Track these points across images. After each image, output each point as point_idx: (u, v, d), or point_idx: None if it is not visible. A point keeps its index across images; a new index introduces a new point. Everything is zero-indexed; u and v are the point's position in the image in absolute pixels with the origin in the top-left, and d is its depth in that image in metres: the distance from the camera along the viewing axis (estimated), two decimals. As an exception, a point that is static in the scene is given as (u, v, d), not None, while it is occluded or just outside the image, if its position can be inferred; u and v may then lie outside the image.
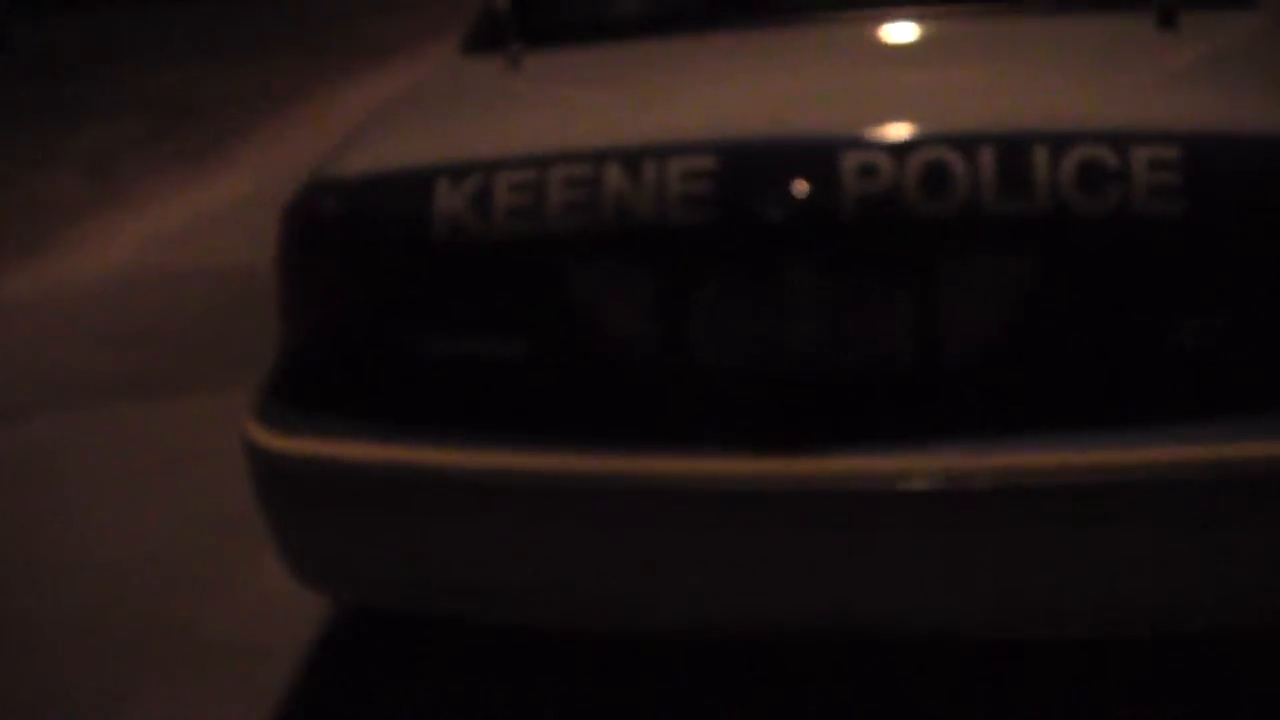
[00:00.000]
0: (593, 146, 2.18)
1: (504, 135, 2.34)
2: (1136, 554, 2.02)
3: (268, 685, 2.75)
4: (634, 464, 2.10)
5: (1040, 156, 2.03)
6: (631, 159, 2.13)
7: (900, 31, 2.68)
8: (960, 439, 2.04)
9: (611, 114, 2.37)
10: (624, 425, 2.15)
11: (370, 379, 2.28)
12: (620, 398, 2.17)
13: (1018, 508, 2.03)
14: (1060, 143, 2.03)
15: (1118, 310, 2.05)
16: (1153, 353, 2.05)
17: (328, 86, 9.38)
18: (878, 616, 2.15)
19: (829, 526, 2.08)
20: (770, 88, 2.42)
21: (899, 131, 2.09)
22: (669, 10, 2.95)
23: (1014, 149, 2.04)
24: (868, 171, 2.06)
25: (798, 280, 2.09)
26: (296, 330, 2.37)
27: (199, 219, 6.53)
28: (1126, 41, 2.51)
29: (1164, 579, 2.04)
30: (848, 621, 2.17)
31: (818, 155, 2.09)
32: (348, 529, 2.26)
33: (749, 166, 2.11)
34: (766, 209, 2.08)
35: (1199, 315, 2.03)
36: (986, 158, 2.04)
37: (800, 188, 2.07)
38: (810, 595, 2.13)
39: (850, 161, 2.06)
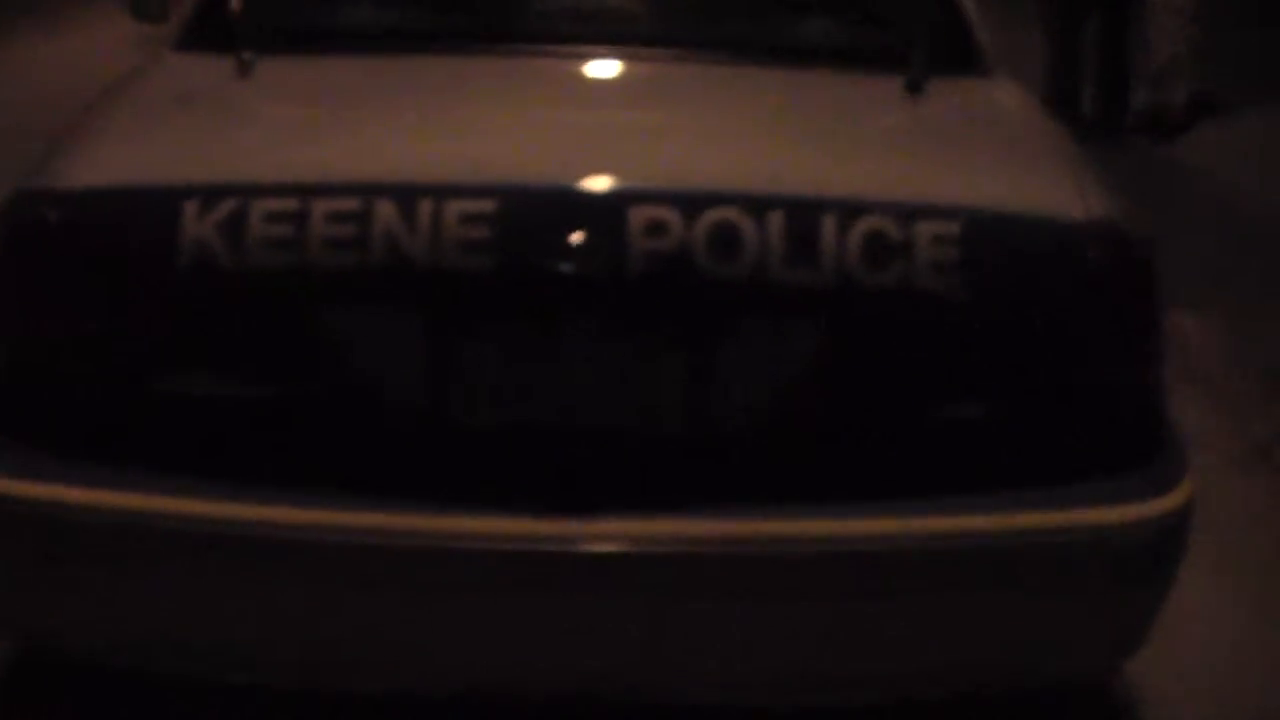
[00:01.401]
0: (362, 180, 2.03)
1: (256, 156, 2.17)
2: (908, 622, 2.04)
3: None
4: (388, 522, 1.98)
5: (827, 224, 2.01)
6: (405, 197, 2.00)
7: (666, 77, 2.59)
8: (726, 506, 2.01)
9: (382, 144, 2.21)
10: (382, 481, 2.01)
11: (92, 415, 2.05)
12: (379, 452, 2.04)
13: (781, 576, 2.02)
14: (848, 211, 2.02)
15: (890, 381, 2.05)
16: (923, 426, 2.06)
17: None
18: (639, 682, 2.11)
19: (590, 590, 2.02)
20: (547, 128, 2.31)
21: (688, 188, 2.03)
22: (404, 26, 2.74)
23: (803, 215, 2.01)
24: (652, 228, 1.99)
25: (573, 337, 2.02)
26: (5, 353, 2.11)
27: None
28: (885, 107, 2.50)
29: (934, 644, 2.07)
30: (607, 686, 2.12)
31: (602, 208, 2.02)
32: (60, 581, 2.04)
33: (530, 214, 2.02)
34: (545, 260, 2.00)
35: (971, 390, 2.06)
36: (775, 222, 2.00)
37: (581, 240, 2.00)
38: (568, 659, 2.07)
39: (635, 217, 2.00)
